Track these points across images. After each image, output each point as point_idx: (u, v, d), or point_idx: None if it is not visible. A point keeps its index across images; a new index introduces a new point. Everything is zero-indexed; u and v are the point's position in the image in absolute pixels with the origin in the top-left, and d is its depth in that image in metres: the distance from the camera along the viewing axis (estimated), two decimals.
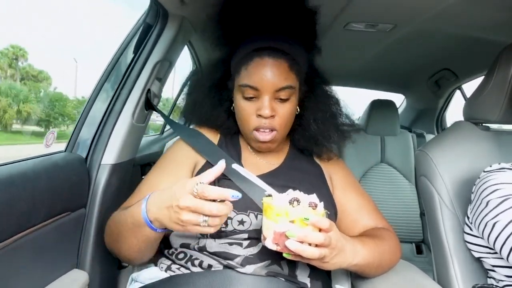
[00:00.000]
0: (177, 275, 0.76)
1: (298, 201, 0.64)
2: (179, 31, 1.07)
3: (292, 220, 0.63)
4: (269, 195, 0.68)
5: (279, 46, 0.84)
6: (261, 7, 0.87)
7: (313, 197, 0.67)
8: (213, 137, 0.95)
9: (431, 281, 0.89)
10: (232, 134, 0.97)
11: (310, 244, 0.63)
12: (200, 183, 0.59)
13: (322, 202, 0.67)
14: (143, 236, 0.70)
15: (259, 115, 0.83)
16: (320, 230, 0.65)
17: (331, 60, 1.92)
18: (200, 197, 0.59)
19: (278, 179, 0.87)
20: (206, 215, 0.60)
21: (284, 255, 0.66)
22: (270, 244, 0.65)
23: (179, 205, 0.59)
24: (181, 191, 0.60)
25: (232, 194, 0.60)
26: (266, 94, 0.82)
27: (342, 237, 0.71)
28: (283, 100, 0.84)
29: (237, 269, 0.74)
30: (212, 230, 0.62)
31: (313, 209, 0.64)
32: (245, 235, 0.78)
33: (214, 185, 0.77)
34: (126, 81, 1.03)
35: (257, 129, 0.85)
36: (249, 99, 0.84)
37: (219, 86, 0.94)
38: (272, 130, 0.85)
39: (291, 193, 0.67)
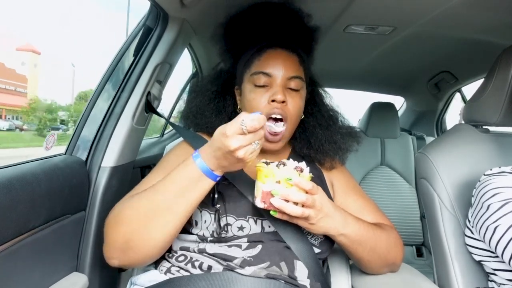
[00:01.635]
0: (176, 277, 0.76)
1: (284, 164, 0.71)
2: (179, 34, 1.08)
3: (278, 181, 0.70)
4: (264, 162, 0.73)
5: (290, 43, 0.90)
6: (264, 22, 0.93)
7: (301, 164, 0.73)
8: None
9: (431, 284, 0.88)
10: None
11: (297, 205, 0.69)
12: (243, 120, 0.63)
13: (308, 168, 0.73)
14: (198, 193, 0.71)
15: (272, 101, 0.84)
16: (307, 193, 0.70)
17: (331, 63, 1.93)
18: (250, 132, 0.63)
19: None
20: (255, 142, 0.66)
21: (271, 213, 0.72)
22: (259, 203, 0.71)
23: (231, 149, 0.63)
24: (227, 139, 0.64)
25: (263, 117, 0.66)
26: (278, 81, 0.85)
27: (331, 204, 0.76)
28: (293, 91, 0.87)
29: (237, 270, 0.74)
30: (259, 150, 0.68)
31: (299, 172, 0.71)
32: (245, 239, 0.79)
33: (215, 191, 0.79)
34: (127, 84, 1.03)
35: (268, 118, 0.84)
36: (260, 86, 0.86)
37: (223, 91, 0.96)
38: (283, 119, 0.85)
39: (285, 161, 0.73)
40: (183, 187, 0.70)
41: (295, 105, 0.86)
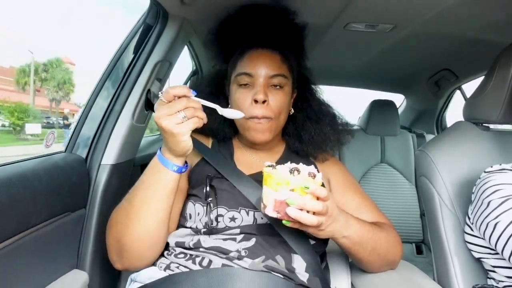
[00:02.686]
0: (176, 273, 0.76)
1: (298, 170, 0.67)
2: (179, 32, 1.07)
3: (292, 189, 0.66)
4: (270, 165, 0.70)
5: (272, 42, 0.91)
6: (251, 24, 0.95)
7: (312, 168, 0.69)
8: (206, 142, 0.98)
9: (431, 281, 0.89)
10: (227, 138, 0.99)
11: (308, 212, 0.66)
12: (162, 91, 0.67)
13: (320, 173, 0.69)
14: (161, 184, 0.73)
15: (254, 100, 0.85)
16: (318, 198, 0.67)
17: (331, 60, 1.93)
18: (169, 101, 0.66)
19: None
20: (181, 112, 0.66)
21: (284, 222, 0.68)
22: (270, 212, 0.67)
23: (155, 118, 0.66)
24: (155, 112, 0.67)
25: (192, 90, 0.68)
26: (260, 80, 0.86)
27: (336, 207, 0.74)
28: (276, 88, 0.88)
29: (235, 261, 0.75)
30: (192, 124, 0.68)
31: (312, 178, 0.67)
32: (238, 230, 0.80)
33: (207, 184, 0.82)
34: (126, 82, 1.03)
35: (252, 118, 0.87)
36: (244, 86, 0.88)
37: (217, 92, 0.98)
38: (267, 118, 0.87)
39: (291, 164, 0.70)
40: (149, 180, 0.74)
41: (277, 103, 0.88)
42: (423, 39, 1.45)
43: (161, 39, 1.05)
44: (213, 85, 0.99)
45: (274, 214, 0.67)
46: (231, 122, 0.96)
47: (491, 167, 0.90)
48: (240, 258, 0.75)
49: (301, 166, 0.69)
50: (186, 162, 0.75)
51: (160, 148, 0.74)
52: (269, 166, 0.71)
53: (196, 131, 0.98)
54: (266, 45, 0.91)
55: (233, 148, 0.97)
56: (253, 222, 0.81)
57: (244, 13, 0.98)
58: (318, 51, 1.59)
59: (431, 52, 1.69)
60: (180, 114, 0.66)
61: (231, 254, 0.76)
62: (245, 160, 0.95)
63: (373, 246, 0.82)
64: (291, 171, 0.67)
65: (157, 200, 0.73)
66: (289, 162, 0.71)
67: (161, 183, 0.73)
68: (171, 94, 0.66)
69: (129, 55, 1.07)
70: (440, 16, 1.15)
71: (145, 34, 1.06)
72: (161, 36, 1.05)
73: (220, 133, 0.97)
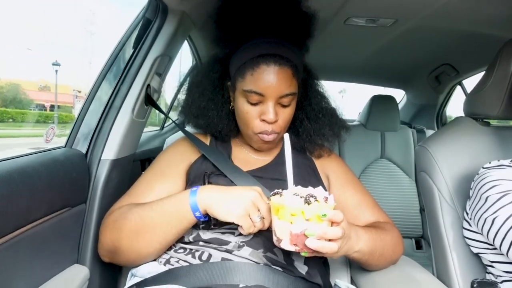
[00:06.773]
0: (176, 267, 0.77)
1: (314, 197, 0.62)
2: (179, 26, 1.07)
3: (308, 219, 0.61)
4: (274, 194, 0.65)
5: (284, 53, 0.85)
6: (259, 10, 0.88)
7: (321, 190, 0.66)
8: (204, 140, 0.98)
9: (430, 276, 0.89)
10: (227, 137, 0.99)
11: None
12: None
13: (331, 195, 0.65)
14: (179, 220, 0.75)
15: (263, 120, 0.85)
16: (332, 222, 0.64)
17: (331, 55, 1.92)
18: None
19: (268, 173, 0.90)
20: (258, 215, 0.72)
21: (303, 254, 0.64)
22: (287, 246, 0.63)
23: (249, 193, 0.73)
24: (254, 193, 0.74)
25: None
26: (270, 100, 0.84)
27: (348, 224, 0.72)
28: (285, 106, 0.87)
29: (234, 253, 0.75)
30: (256, 228, 0.72)
31: (325, 202, 0.63)
32: (235, 225, 0.80)
33: (205, 181, 0.84)
34: (126, 76, 1.02)
35: (260, 133, 0.87)
36: (253, 104, 0.86)
37: (220, 88, 0.96)
38: (275, 133, 0.88)
39: (296, 189, 0.66)
40: (167, 207, 0.76)
41: (285, 118, 0.88)
42: (424, 34, 1.45)
43: (160, 33, 1.05)
44: (214, 78, 0.96)
45: (292, 248, 0.62)
46: (236, 125, 0.95)
47: (489, 163, 0.90)
48: (240, 247, 0.76)
49: (310, 190, 0.65)
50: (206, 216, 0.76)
51: (195, 192, 0.74)
52: (274, 193, 0.64)
53: (203, 132, 0.99)
54: (278, 57, 0.84)
55: (231, 147, 0.98)
56: (273, 228, 0.81)
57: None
58: (318, 46, 1.58)
59: (431, 46, 1.69)
60: (256, 214, 0.72)
61: (230, 245, 0.77)
62: (242, 157, 0.95)
63: (381, 252, 0.82)
64: (307, 200, 0.61)
65: (170, 231, 0.76)
66: (294, 186, 0.68)
67: (177, 217, 0.75)
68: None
69: (128, 50, 1.06)
70: (441, 10, 1.14)
71: (145, 28, 1.05)
72: (161, 31, 1.05)
73: (227, 132, 0.96)
